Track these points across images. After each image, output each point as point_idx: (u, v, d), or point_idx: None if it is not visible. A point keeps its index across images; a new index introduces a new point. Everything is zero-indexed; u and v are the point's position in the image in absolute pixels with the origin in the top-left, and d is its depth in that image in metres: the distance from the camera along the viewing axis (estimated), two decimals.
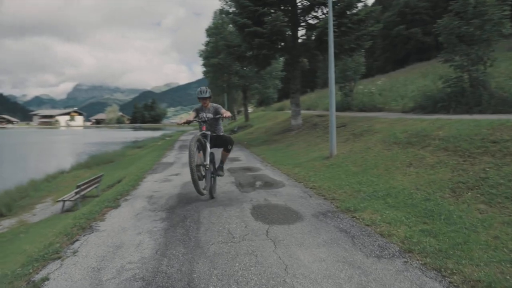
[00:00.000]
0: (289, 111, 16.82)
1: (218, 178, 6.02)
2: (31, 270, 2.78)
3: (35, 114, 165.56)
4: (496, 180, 3.75)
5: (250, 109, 57.33)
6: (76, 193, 8.30)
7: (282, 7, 13.26)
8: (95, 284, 2.47)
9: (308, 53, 13.10)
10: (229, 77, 25.49)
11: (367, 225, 3.42)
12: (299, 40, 13.29)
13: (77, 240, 3.45)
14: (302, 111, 18.56)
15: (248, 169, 7.68)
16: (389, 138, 6.79)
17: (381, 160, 5.93)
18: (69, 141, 45.09)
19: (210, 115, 4.74)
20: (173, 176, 7.19)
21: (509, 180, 3.67)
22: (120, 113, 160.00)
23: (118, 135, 56.23)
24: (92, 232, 3.66)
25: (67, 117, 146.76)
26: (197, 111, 4.92)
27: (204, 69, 27.74)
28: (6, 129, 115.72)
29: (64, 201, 8.34)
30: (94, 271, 2.68)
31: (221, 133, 5.00)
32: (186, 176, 6.52)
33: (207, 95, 4.78)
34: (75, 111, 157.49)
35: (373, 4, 20.91)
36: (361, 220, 3.59)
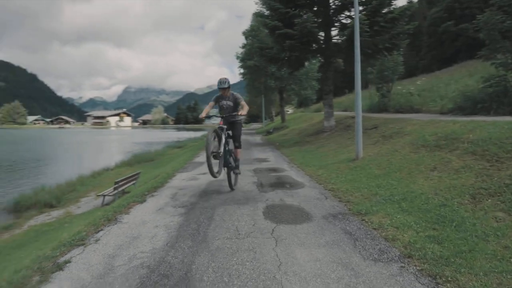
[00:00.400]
0: (335, 112, 16.69)
1: (240, 177, 6.23)
2: (58, 254, 3.15)
3: (89, 115, 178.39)
4: None
5: (290, 110, 57.23)
6: (114, 188, 8.95)
7: (315, 8, 13.19)
8: (107, 269, 2.75)
9: (341, 53, 12.87)
10: (265, 79, 25.72)
11: (374, 229, 3.39)
12: (333, 41, 13.12)
13: (101, 230, 3.80)
14: (339, 113, 18.23)
15: (274, 170, 7.79)
16: (418, 141, 6.53)
17: (406, 163, 5.73)
18: (117, 141, 48.10)
19: (230, 103, 5.32)
20: (200, 175, 7.49)
21: None
22: (165, 114, 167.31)
23: (161, 135, 59.02)
24: (116, 224, 4.00)
25: (117, 118, 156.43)
26: (217, 99, 5.40)
27: (242, 71, 28.21)
28: (64, 128, 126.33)
29: (104, 195, 9.03)
30: (109, 258, 2.96)
31: (238, 120, 5.51)
32: (216, 166, 6.79)
33: (226, 85, 5.23)
34: (124, 112, 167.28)
35: (410, 2, 19.99)
36: (369, 223, 3.56)
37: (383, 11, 11.30)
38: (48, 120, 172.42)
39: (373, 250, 2.88)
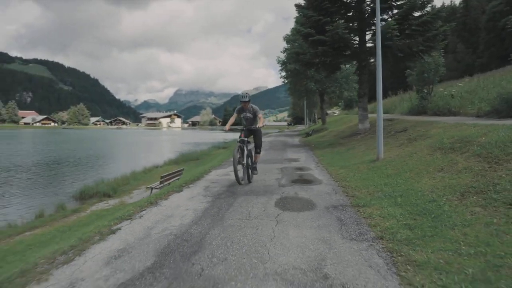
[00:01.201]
0: (371, 114, 16.81)
1: (263, 173, 7.00)
2: (112, 224, 4.16)
3: (143, 117, 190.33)
4: (504, 186, 3.85)
5: (337, 112, 56.55)
6: (161, 182, 10.18)
7: (349, 14, 13.51)
8: (145, 234, 3.67)
9: (375, 57, 13.05)
10: (306, 82, 26.16)
11: (364, 218, 3.96)
12: (367, 45, 13.33)
13: (144, 210, 4.80)
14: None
15: (300, 169, 8.42)
16: (436, 144, 6.78)
17: (419, 165, 6.08)
18: (167, 141, 51.34)
19: (250, 115, 6.35)
20: (232, 172, 8.35)
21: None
22: (213, 116, 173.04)
23: (209, 136, 61.64)
24: (156, 206, 4.98)
25: (168, 119, 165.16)
26: (239, 111, 6.44)
27: (283, 74, 28.92)
28: (121, 129, 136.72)
29: (152, 188, 10.30)
30: (148, 228, 3.90)
31: (257, 127, 6.29)
32: (241, 173, 7.64)
33: (247, 99, 6.22)
34: (175, 114, 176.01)
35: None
36: (362, 213, 4.13)
37: (416, 15, 11.33)
38: (107, 121, 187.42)
39: (353, 233, 3.48)
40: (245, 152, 6.04)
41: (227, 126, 6.65)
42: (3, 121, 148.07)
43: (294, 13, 16.57)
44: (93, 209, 9.40)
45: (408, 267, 2.60)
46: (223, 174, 8.09)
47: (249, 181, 6.46)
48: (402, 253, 2.86)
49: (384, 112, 22.39)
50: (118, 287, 2.52)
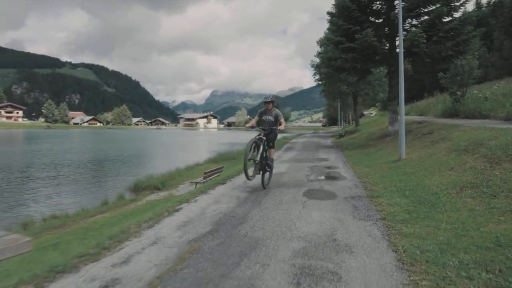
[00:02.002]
0: (405, 116, 17.18)
1: (295, 170, 8.00)
2: (174, 205, 5.42)
3: (181, 117, 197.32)
4: (495, 182, 4.59)
5: (374, 113, 55.82)
6: (204, 177, 11.52)
7: (380, 20, 14.10)
8: (201, 213, 4.86)
9: (406, 61, 13.54)
10: (339, 85, 26.69)
11: (374, 205, 4.88)
12: (397, 50, 13.85)
13: (197, 196, 6.02)
14: (409, 117, 18.48)
15: (328, 167, 9.33)
16: (453, 146, 7.42)
17: (434, 165, 6.80)
18: (205, 141, 53.68)
19: (271, 118, 6.24)
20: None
21: (504, 182, 4.49)
22: (248, 117, 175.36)
23: (244, 137, 63.27)
24: (206, 194, 6.20)
25: (205, 120, 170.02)
26: (261, 114, 6.39)
27: (317, 77, 29.61)
28: (160, 129, 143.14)
29: (196, 182, 11.68)
30: (203, 209, 5.09)
31: (277, 129, 6.24)
32: (278, 169, 8.74)
33: (269, 99, 6.28)
34: (211, 115, 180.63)
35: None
36: (374, 202, 5.04)
37: (444, 20, 11.72)
38: (148, 121, 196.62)
39: (362, 215, 4.43)
40: (260, 150, 5.87)
41: (248, 125, 6.40)
42: (56, 121, 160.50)
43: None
44: (147, 199, 10.93)
45: (397, 236, 3.53)
46: None
47: (264, 187, 6.31)
48: (396, 228, 3.78)
49: (419, 114, 22.45)
50: (189, 241, 3.69)
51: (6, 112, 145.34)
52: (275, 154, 14.09)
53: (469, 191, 4.71)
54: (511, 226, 3.32)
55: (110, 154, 27.80)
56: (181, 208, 5.18)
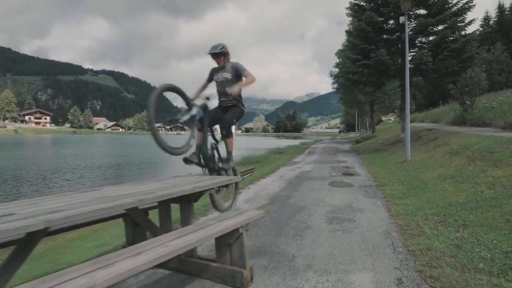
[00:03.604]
0: (417, 124, 19.05)
1: (319, 169, 10.01)
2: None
3: None
4: (466, 174, 6.48)
5: (392, 119, 56.92)
6: (241, 176, 13.69)
7: (394, 36, 15.98)
8: (257, 194, 6.96)
9: (413, 76, 15.35)
10: (356, 94, 28.52)
11: (380, 191, 6.85)
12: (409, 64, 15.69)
13: (248, 187, 8.14)
14: (422, 124, 20.12)
15: (346, 167, 11.29)
16: (449, 150, 9.26)
17: (430, 164, 8.68)
18: None
19: (227, 76, 3.90)
20: (296, 168, 11.51)
21: (471, 173, 6.38)
22: (266, 123, 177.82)
23: (263, 142, 65.45)
24: (254, 184, 8.31)
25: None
26: (212, 73, 4.06)
27: (336, 86, 31.50)
28: (180, 135, 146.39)
29: None
30: (257, 192, 7.19)
31: (234, 104, 4.00)
32: (304, 168, 10.80)
33: (218, 50, 3.83)
34: None
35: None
36: (380, 189, 7.01)
37: (450, 38, 13.45)
38: (167, 127, 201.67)
39: (371, 195, 6.41)
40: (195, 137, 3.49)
41: (192, 96, 3.77)
42: (81, 126, 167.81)
43: (347, 18, 18.71)
44: None
45: (392, 205, 5.51)
46: (290, 169, 11.26)
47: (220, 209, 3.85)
48: (392, 201, 5.76)
49: (432, 121, 23.99)
50: (257, 208, 5.78)
51: (35, 118, 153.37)
52: (299, 158, 16.13)
53: (448, 180, 6.62)
54: (464, 198, 5.25)
55: (142, 157, 30.43)
56: (240, 193, 7.29)
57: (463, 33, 14.49)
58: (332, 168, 10.93)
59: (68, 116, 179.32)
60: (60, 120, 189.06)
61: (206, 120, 3.75)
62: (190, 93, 3.80)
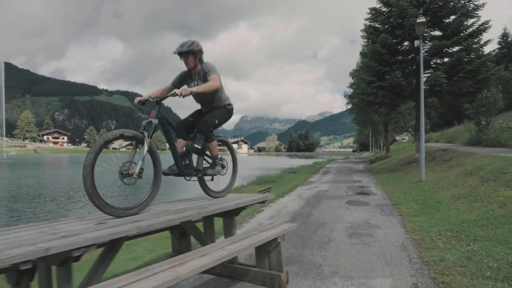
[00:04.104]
0: (432, 144, 19.26)
1: (335, 188, 10.38)
2: (258, 209, 8.01)
3: None
4: (479, 193, 6.80)
5: (406, 138, 56.77)
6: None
7: (409, 57, 16.52)
8: (279, 212, 7.41)
9: (428, 97, 15.75)
10: (370, 114, 28.92)
11: (396, 209, 7.20)
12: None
13: (269, 205, 8.58)
14: (437, 144, 20.28)
15: (362, 186, 11.63)
16: (463, 170, 9.54)
17: (444, 184, 8.98)
18: (240, 167, 56.55)
19: (200, 83, 3.37)
20: (313, 187, 11.90)
21: (484, 193, 6.70)
22: (278, 142, 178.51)
23: (276, 162, 65.80)
24: (274, 203, 8.76)
25: (236, 145, 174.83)
26: (183, 77, 3.48)
27: (350, 106, 32.00)
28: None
29: None
30: (278, 210, 7.64)
31: (215, 108, 3.52)
32: (321, 187, 11.20)
33: (185, 48, 3.21)
34: (242, 140, 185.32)
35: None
36: (395, 207, 7.37)
37: (465, 60, 13.84)
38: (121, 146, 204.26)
39: (387, 213, 6.78)
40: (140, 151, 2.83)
41: (139, 99, 3.32)
42: None
43: (360, 36, 19.23)
44: None
45: (407, 222, 5.88)
46: (306, 189, 11.67)
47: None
48: (407, 219, 6.13)
49: (448, 141, 24.08)
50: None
51: (53, 138, 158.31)
52: (315, 178, 16.49)
53: (462, 199, 6.94)
54: (476, 216, 5.58)
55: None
56: (262, 210, 7.76)
57: (479, 53, 14.88)
58: (348, 188, 11.29)
59: (85, 136, 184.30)
60: (77, 140, 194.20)
61: (166, 126, 3.24)
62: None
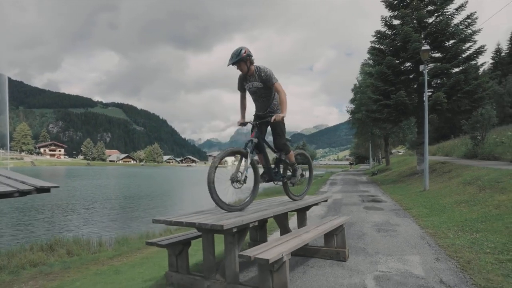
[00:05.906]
0: (430, 157, 20.73)
1: (349, 197, 11.71)
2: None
3: (210, 155, 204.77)
4: (478, 199, 8.16)
5: (401, 151, 58.26)
6: None
7: (411, 76, 18.10)
8: (308, 216, 8.69)
9: (428, 114, 17.27)
10: (371, 128, 30.49)
11: (408, 212, 8.52)
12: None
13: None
14: (435, 157, 21.74)
15: (371, 195, 12.95)
16: (462, 180, 10.93)
17: (448, 192, 10.34)
18: None
19: (258, 85, 3.85)
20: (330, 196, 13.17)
21: (482, 199, 8.05)
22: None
23: None
24: None
25: (233, 158, 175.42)
26: (241, 81, 4.00)
27: (351, 121, 33.59)
28: (191, 167, 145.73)
29: None
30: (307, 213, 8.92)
31: (278, 115, 3.85)
32: (335, 196, 12.52)
33: (235, 59, 3.63)
34: None
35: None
36: (407, 211, 8.69)
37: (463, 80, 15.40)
38: (178, 159, 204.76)
39: (401, 215, 8.09)
40: (244, 161, 3.68)
41: (240, 120, 4.19)
42: (94, 158, 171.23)
43: (356, 49, 21.13)
44: None
45: (420, 221, 7.19)
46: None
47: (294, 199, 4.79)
48: (419, 219, 7.44)
49: (444, 154, 25.58)
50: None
51: (50, 150, 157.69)
52: (325, 188, 17.79)
53: (463, 204, 8.29)
54: (476, 215, 6.91)
55: (171, 189, 32.19)
56: (293, 215, 9.03)
57: (475, 75, 16.45)
58: (359, 196, 12.61)
59: (82, 148, 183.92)
60: (74, 152, 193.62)
61: (262, 143, 4.02)
62: (238, 119, 4.24)
